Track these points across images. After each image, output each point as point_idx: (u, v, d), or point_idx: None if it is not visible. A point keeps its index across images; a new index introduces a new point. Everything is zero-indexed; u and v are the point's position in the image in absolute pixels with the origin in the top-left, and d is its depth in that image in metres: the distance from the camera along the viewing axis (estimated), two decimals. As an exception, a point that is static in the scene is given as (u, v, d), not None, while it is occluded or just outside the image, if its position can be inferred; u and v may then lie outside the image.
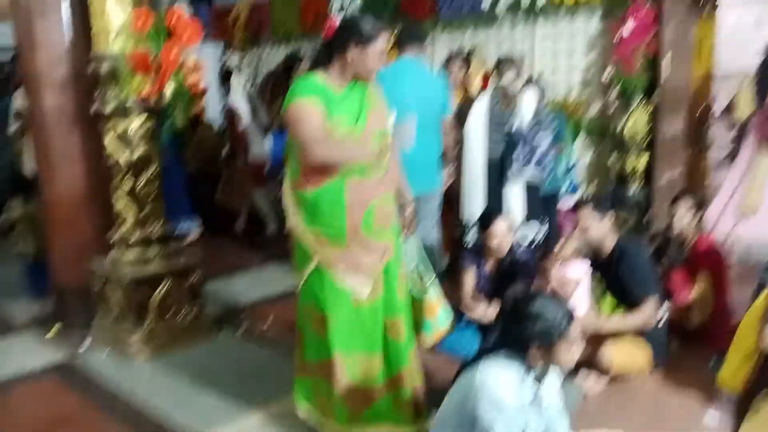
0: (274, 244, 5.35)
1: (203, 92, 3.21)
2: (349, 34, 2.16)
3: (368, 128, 2.21)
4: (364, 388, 2.31)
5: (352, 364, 2.30)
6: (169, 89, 3.03)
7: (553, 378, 1.93)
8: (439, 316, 2.82)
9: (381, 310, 2.30)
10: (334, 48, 2.19)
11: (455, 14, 5.73)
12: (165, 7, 3.00)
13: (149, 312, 3.28)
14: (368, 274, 2.25)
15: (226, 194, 5.95)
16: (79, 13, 3.24)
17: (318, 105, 2.13)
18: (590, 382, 2.76)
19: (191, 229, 5.56)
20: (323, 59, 2.23)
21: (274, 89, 7.24)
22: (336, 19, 2.09)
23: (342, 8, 6.63)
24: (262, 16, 7.29)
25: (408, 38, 3.65)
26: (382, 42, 2.18)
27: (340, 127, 2.17)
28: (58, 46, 3.27)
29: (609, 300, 3.00)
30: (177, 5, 3.07)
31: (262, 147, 5.82)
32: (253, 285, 4.44)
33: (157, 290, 3.29)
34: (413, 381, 2.38)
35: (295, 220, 2.28)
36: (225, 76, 5.72)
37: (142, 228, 3.32)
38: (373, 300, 2.27)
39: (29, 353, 3.39)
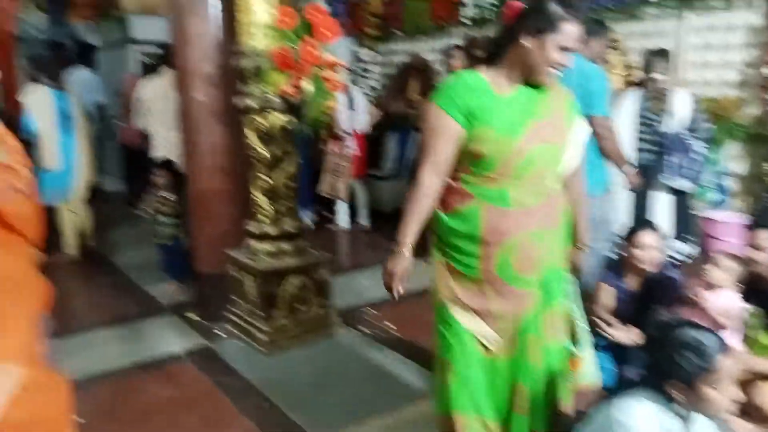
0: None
1: (340, 88, 3.21)
2: (529, 18, 1.77)
3: (525, 142, 1.82)
4: None
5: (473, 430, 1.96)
6: (307, 85, 3.07)
7: (703, 421, 1.73)
8: (583, 371, 2.30)
9: (510, 371, 1.95)
10: (509, 36, 1.82)
11: (595, 4, 5.42)
12: (306, 4, 3.02)
13: (279, 305, 3.36)
14: (498, 325, 1.91)
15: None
16: (227, 10, 3.36)
17: (453, 127, 1.82)
18: (743, 428, 2.47)
19: (307, 219, 5.73)
20: (494, 50, 1.88)
21: (404, 84, 7.28)
22: (518, 2, 1.83)
23: (476, 1, 6.50)
24: (395, 10, 7.30)
25: (591, 30, 3.29)
26: (571, 30, 1.75)
27: (487, 139, 1.82)
28: (207, 42, 3.42)
29: (764, 337, 2.66)
30: (317, 2, 3.08)
31: (350, 140, 5.79)
32: (378, 282, 4.42)
33: (288, 284, 3.37)
34: None
35: (431, 240, 2.01)
36: None
37: (277, 222, 3.40)
38: (505, 357, 1.94)
39: (167, 336, 3.59)
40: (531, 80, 1.85)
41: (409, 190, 1.91)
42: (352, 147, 5.79)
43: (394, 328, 3.64)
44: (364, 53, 7.83)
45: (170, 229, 4.32)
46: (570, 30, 1.75)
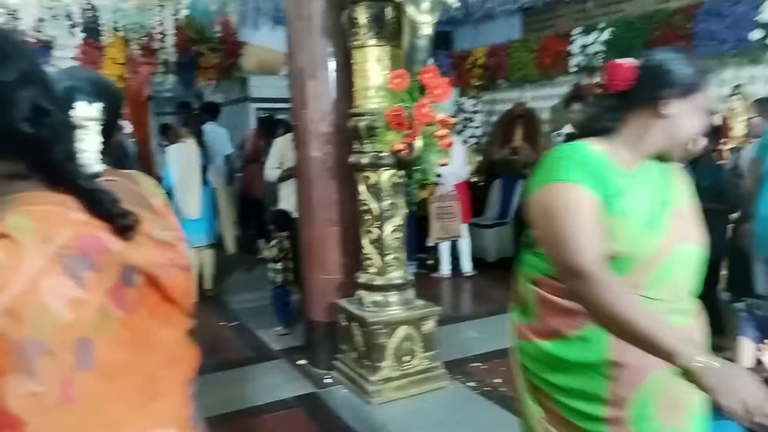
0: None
1: (450, 145, 3.28)
2: (663, 80, 1.38)
3: (669, 241, 1.38)
4: None
5: None
6: (418, 143, 3.16)
7: None
8: None
9: None
10: (633, 102, 1.43)
11: (716, 49, 5.21)
12: (419, 65, 3.14)
13: (386, 356, 3.40)
14: None
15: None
16: (343, 73, 3.55)
17: (592, 198, 1.34)
18: None
19: (411, 268, 5.78)
20: (607, 120, 1.47)
21: (508, 131, 7.29)
22: (629, 62, 1.45)
23: (583, 50, 6.44)
24: (500, 60, 7.37)
25: None
26: (707, 90, 1.42)
27: (622, 232, 1.35)
28: (324, 103, 3.62)
29: None
30: (430, 64, 3.18)
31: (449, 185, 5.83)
32: (485, 334, 4.40)
33: (395, 335, 3.41)
34: None
35: (517, 379, 1.57)
36: None
37: (385, 273, 3.48)
38: None
39: (277, 382, 3.72)
40: (664, 156, 1.46)
41: (608, 308, 1.27)
42: (450, 189, 5.85)
43: (502, 382, 3.57)
44: (468, 103, 7.93)
45: (282, 276, 4.53)
46: (708, 88, 1.42)
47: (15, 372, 0.75)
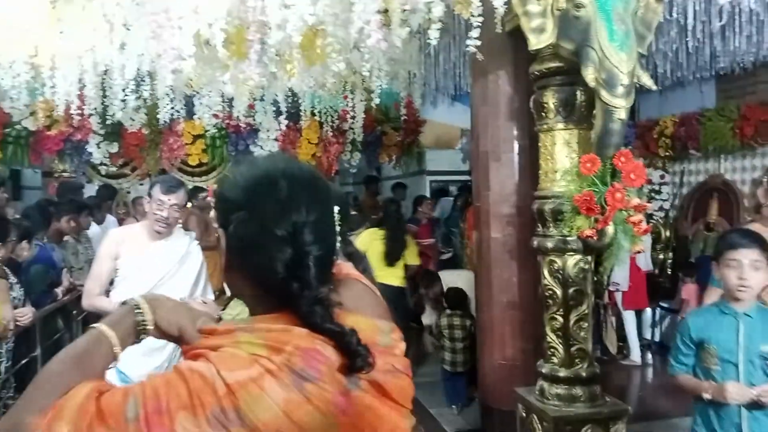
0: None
1: (645, 232, 3.06)
2: None
3: None
4: None
5: None
6: (610, 229, 2.99)
7: None
8: None
9: None
10: None
11: None
12: (612, 149, 2.99)
13: (570, 456, 3.17)
14: None
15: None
16: (527, 156, 3.52)
17: None
18: None
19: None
20: None
21: (702, 206, 6.72)
22: None
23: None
24: (691, 129, 6.87)
25: None
26: None
27: None
28: (506, 185, 3.61)
29: None
30: (625, 148, 3.03)
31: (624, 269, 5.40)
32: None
33: (580, 434, 3.17)
34: None
35: None
36: None
37: (569, 365, 3.28)
38: None
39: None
40: None
41: None
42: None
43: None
44: (655, 174, 7.46)
45: (454, 355, 4.47)
46: None
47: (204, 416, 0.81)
